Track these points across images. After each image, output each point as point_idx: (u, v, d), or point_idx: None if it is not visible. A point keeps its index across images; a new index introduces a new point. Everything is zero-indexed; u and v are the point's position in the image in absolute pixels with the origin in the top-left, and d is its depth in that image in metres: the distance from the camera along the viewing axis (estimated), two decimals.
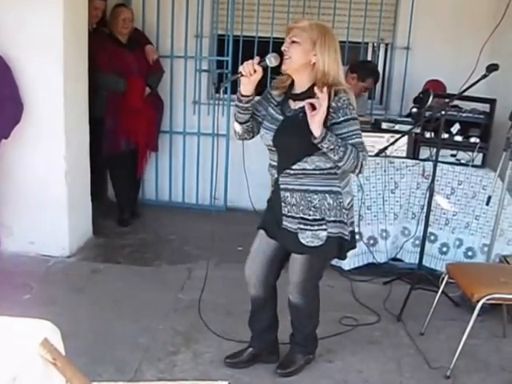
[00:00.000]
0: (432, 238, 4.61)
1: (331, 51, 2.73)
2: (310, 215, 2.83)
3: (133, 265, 4.57)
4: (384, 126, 4.66)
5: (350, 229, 2.94)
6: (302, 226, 2.85)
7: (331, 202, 2.82)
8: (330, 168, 2.80)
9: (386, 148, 4.30)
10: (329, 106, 2.67)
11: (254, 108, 2.95)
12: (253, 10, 5.65)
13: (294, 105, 2.85)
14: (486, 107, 4.70)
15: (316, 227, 2.83)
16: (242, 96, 2.85)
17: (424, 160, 4.61)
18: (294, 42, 2.74)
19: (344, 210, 2.86)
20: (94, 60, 4.78)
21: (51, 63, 4.31)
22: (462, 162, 4.60)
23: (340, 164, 2.70)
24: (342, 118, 2.70)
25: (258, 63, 2.76)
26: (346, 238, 2.90)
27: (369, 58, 5.93)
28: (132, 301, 3.93)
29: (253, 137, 3.04)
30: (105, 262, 4.58)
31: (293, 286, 3.05)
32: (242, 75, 2.77)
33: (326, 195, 2.82)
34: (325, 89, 2.65)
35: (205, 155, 5.88)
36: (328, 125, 2.70)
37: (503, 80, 4.58)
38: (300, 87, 2.84)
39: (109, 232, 5.17)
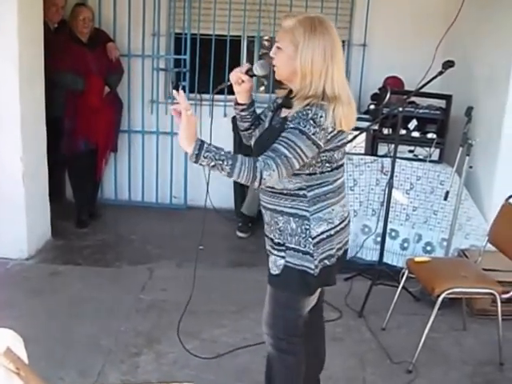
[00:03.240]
0: (393, 234, 4.65)
1: (316, 55, 2.24)
2: (275, 237, 2.45)
3: (93, 266, 4.53)
4: None
5: (322, 263, 2.41)
6: (270, 249, 2.49)
7: (294, 227, 2.39)
8: (300, 189, 2.37)
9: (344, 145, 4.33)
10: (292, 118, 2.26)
11: (263, 114, 2.61)
12: (209, 9, 5.64)
13: (283, 113, 2.43)
14: (442, 103, 4.77)
15: (276, 252, 2.44)
16: (237, 104, 2.57)
17: (382, 156, 4.66)
18: (278, 47, 2.35)
19: (310, 239, 2.38)
20: (54, 59, 4.73)
21: (6, 64, 4.24)
22: (420, 157, 4.66)
23: (233, 179, 2.22)
24: (291, 126, 2.23)
25: (246, 72, 2.45)
26: (311, 272, 2.39)
27: None
28: (93, 302, 3.89)
29: None
30: (64, 263, 4.52)
31: (263, 324, 2.60)
32: (231, 84, 2.48)
33: (291, 218, 2.40)
34: (181, 91, 2.18)
35: (164, 154, 5.87)
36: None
37: (458, 76, 4.65)
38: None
39: (68, 233, 5.11)
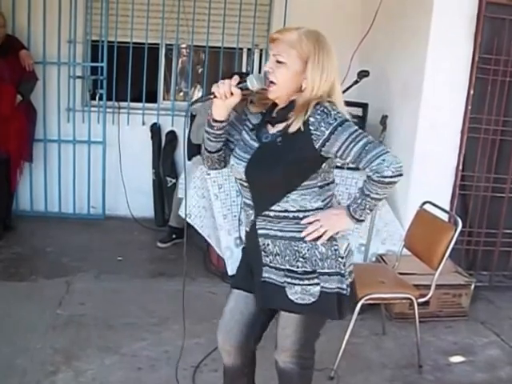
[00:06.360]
0: None
1: (325, 71, 2.18)
2: (298, 267, 2.29)
3: (7, 281, 4.35)
4: None
5: (349, 280, 2.36)
6: (289, 280, 2.31)
7: (324, 250, 2.28)
8: (317, 209, 2.27)
9: None
10: (309, 124, 2.14)
11: (227, 132, 2.34)
12: (127, 16, 5.56)
13: (273, 129, 2.28)
14: (358, 111, 4.85)
15: (306, 281, 2.29)
16: (214, 121, 2.26)
17: None
18: (279, 62, 2.17)
19: (340, 259, 2.30)
20: None
21: None
22: (338, 164, 4.68)
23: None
24: (328, 131, 2.12)
25: (237, 85, 2.17)
26: (344, 292, 2.33)
27: (244, 63, 6.02)
28: (7, 320, 3.74)
29: (225, 166, 2.45)
30: None
31: (284, 351, 2.55)
32: (215, 97, 2.18)
33: (317, 243, 2.28)
34: (310, 218, 2.24)
35: (81, 163, 5.75)
36: (318, 146, 2.14)
37: (373, 85, 4.74)
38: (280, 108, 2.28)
39: None
